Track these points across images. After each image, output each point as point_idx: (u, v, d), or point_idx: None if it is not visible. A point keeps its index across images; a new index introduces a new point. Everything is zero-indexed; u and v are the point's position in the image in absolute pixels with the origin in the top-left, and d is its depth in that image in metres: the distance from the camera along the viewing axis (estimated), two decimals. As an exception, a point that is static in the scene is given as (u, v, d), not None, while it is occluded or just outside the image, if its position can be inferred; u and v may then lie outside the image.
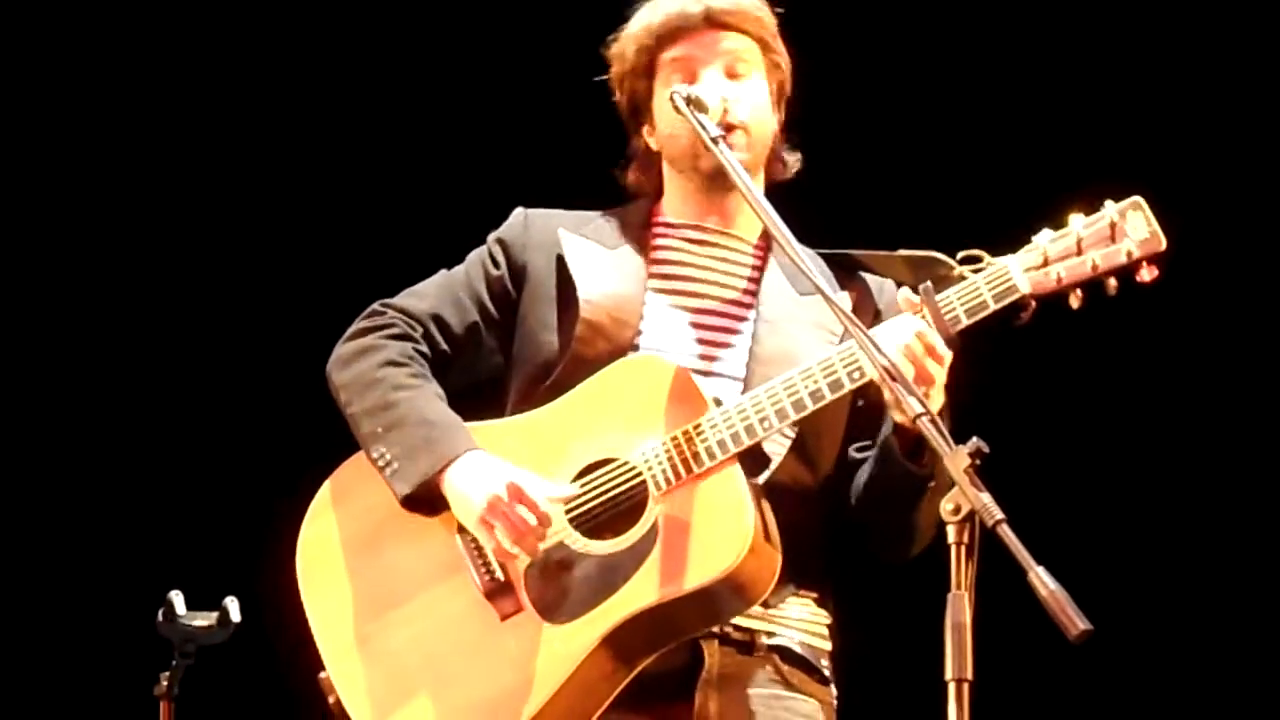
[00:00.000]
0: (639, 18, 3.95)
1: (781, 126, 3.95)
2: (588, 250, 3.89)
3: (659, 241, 3.92)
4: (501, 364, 3.94)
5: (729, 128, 3.78)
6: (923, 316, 3.58)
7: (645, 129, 3.96)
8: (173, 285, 6.11)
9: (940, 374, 3.56)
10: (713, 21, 3.88)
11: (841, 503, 3.81)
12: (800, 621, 3.79)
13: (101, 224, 6.11)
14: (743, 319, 3.84)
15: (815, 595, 3.82)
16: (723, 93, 3.81)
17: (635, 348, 3.79)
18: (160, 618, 4.02)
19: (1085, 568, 3.57)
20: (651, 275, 3.87)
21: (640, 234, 3.93)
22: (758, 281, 3.88)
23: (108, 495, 6.06)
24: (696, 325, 3.83)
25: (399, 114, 6.06)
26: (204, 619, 4.02)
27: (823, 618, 3.83)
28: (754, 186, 3.65)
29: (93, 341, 6.10)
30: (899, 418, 3.58)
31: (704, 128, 3.68)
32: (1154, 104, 5.77)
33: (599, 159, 4.07)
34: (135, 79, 6.08)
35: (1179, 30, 5.78)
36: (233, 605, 4.02)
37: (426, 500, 3.75)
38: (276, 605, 3.87)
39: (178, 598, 4.03)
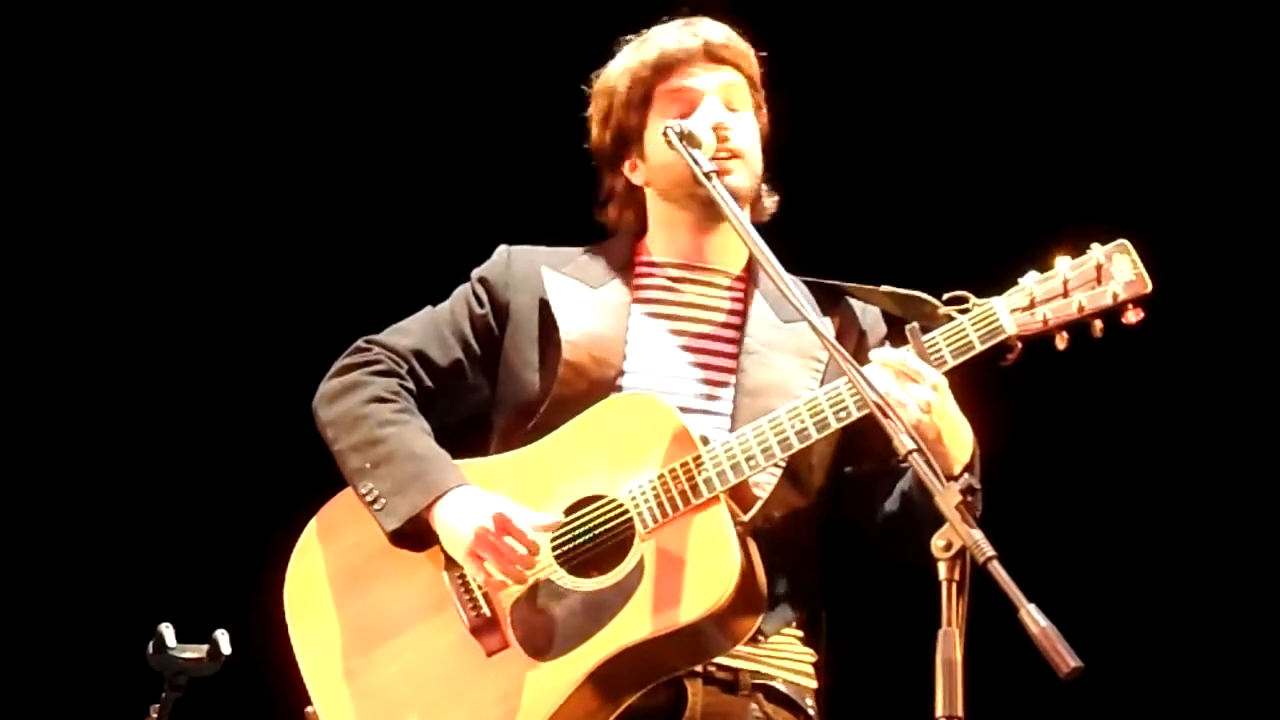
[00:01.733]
0: (630, 52, 3.97)
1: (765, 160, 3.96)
2: (570, 289, 3.90)
3: (642, 280, 3.93)
4: (485, 401, 3.95)
5: (731, 154, 3.80)
6: (909, 353, 3.58)
7: (629, 164, 3.97)
8: (167, 314, 6.11)
9: (932, 397, 3.56)
10: (711, 55, 3.91)
11: (849, 527, 3.83)
12: (785, 660, 3.79)
13: (84, 261, 6.12)
14: (729, 354, 3.85)
15: (802, 633, 3.82)
16: (722, 119, 3.84)
17: (619, 387, 3.80)
18: (150, 650, 4.01)
19: (1076, 605, 3.57)
20: (635, 314, 3.88)
21: (623, 272, 3.93)
22: (741, 314, 3.89)
23: (99, 527, 6.04)
24: (681, 362, 3.84)
25: (384, 151, 6.06)
26: (194, 651, 4.00)
27: (808, 655, 3.83)
28: (744, 217, 3.66)
29: (85, 371, 6.10)
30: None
31: (697, 163, 3.70)
32: (1140, 147, 5.78)
33: (581, 195, 4.08)
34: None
35: (1167, 72, 5.79)
36: (223, 638, 4.00)
37: (415, 535, 3.75)
38: (267, 638, 3.87)
39: (168, 630, 4.01)
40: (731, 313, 3.90)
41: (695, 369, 3.83)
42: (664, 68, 3.91)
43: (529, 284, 3.92)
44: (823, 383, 3.76)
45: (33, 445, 6.09)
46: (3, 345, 6.06)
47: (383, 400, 3.85)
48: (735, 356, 3.84)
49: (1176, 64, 5.79)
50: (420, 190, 6.04)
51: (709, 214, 3.83)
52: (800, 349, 3.83)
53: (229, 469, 5.97)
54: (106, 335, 6.09)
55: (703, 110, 3.86)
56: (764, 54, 3.98)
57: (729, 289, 3.92)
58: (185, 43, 6.07)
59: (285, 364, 5.79)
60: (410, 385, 3.89)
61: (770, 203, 3.98)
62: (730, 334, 3.87)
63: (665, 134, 3.77)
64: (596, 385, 3.79)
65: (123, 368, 6.09)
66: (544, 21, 5.95)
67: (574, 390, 3.78)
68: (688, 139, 3.74)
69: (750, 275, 3.93)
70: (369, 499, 3.75)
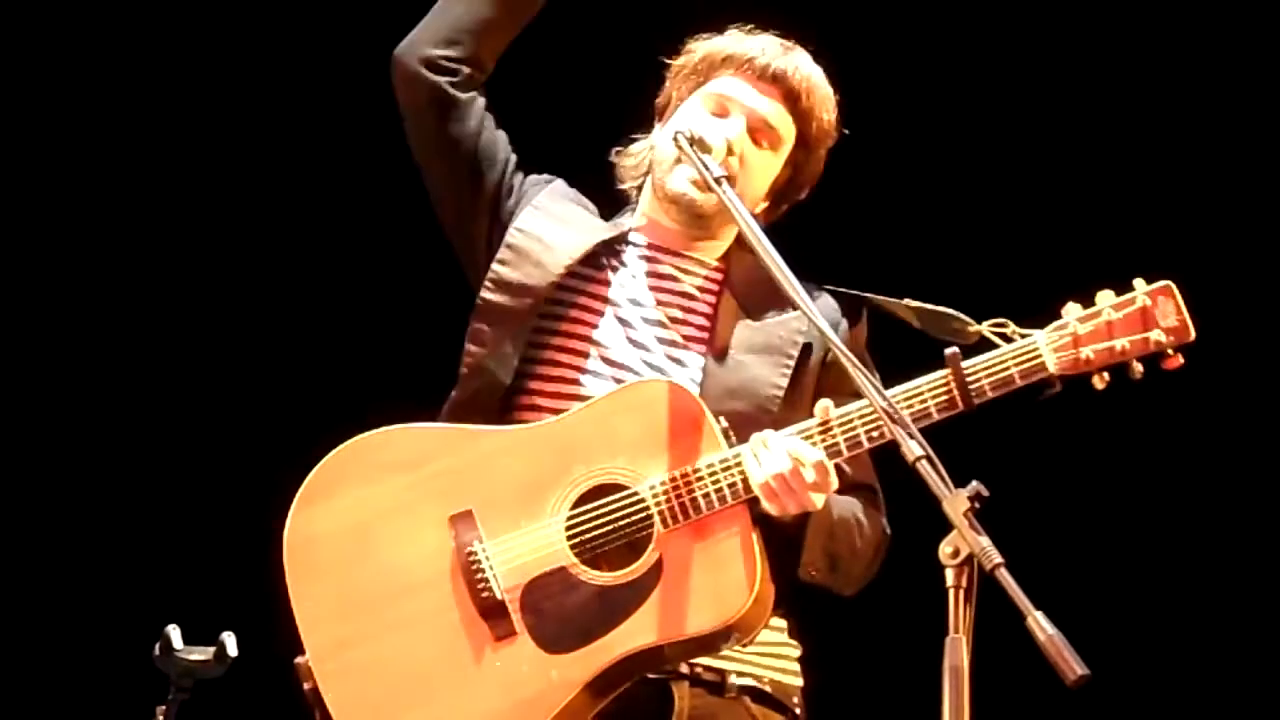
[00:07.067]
0: (730, 36, 3.96)
1: (767, 215, 3.95)
2: (554, 208, 3.90)
3: (622, 256, 3.92)
4: (468, 213, 3.93)
5: (729, 178, 3.76)
6: (948, 379, 3.57)
7: (659, 123, 3.97)
8: (176, 315, 6.12)
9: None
10: (771, 77, 3.89)
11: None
12: (771, 657, 3.79)
13: (88, 261, 6.12)
14: (692, 350, 3.83)
15: (787, 625, 3.83)
16: (735, 139, 3.83)
17: (551, 313, 3.80)
18: (157, 651, 4.01)
19: (1083, 613, 3.57)
20: (610, 299, 3.86)
21: (612, 246, 3.91)
22: (714, 305, 3.88)
23: (105, 529, 6.05)
24: (647, 349, 3.82)
25: (386, 138, 6.06)
26: (201, 653, 4.00)
27: (793, 650, 3.84)
28: (750, 219, 3.63)
29: (93, 373, 6.11)
30: (772, 509, 3.60)
31: (707, 168, 3.71)
32: (1176, 178, 5.79)
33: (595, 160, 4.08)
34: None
35: (1215, 110, 5.80)
36: (230, 640, 4.00)
37: None
38: (274, 640, 3.86)
39: (174, 632, 4.01)
40: (705, 304, 3.88)
41: (663, 361, 3.82)
42: (729, 63, 3.91)
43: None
44: (792, 381, 3.76)
45: (40, 448, 6.10)
46: (8, 348, 6.07)
47: None
48: (702, 356, 3.82)
49: (1228, 100, 5.79)
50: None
51: (674, 208, 3.85)
52: (768, 345, 3.82)
53: (236, 470, 5.97)
54: (113, 336, 6.10)
55: (728, 121, 3.86)
56: (845, 131, 3.96)
57: (703, 278, 3.91)
58: (219, 28, 6.08)
59: (294, 365, 5.81)
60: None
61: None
62: (699, 336, 3.85)
63: (675, 139, 3.78)
64: (525, 290, 3.80)
65: (130, 368, 6.10)
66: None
67: (505, 285, 3.80)
68: (698, 144, 3.75)
69: (728, 265, 3.91)
70: None
